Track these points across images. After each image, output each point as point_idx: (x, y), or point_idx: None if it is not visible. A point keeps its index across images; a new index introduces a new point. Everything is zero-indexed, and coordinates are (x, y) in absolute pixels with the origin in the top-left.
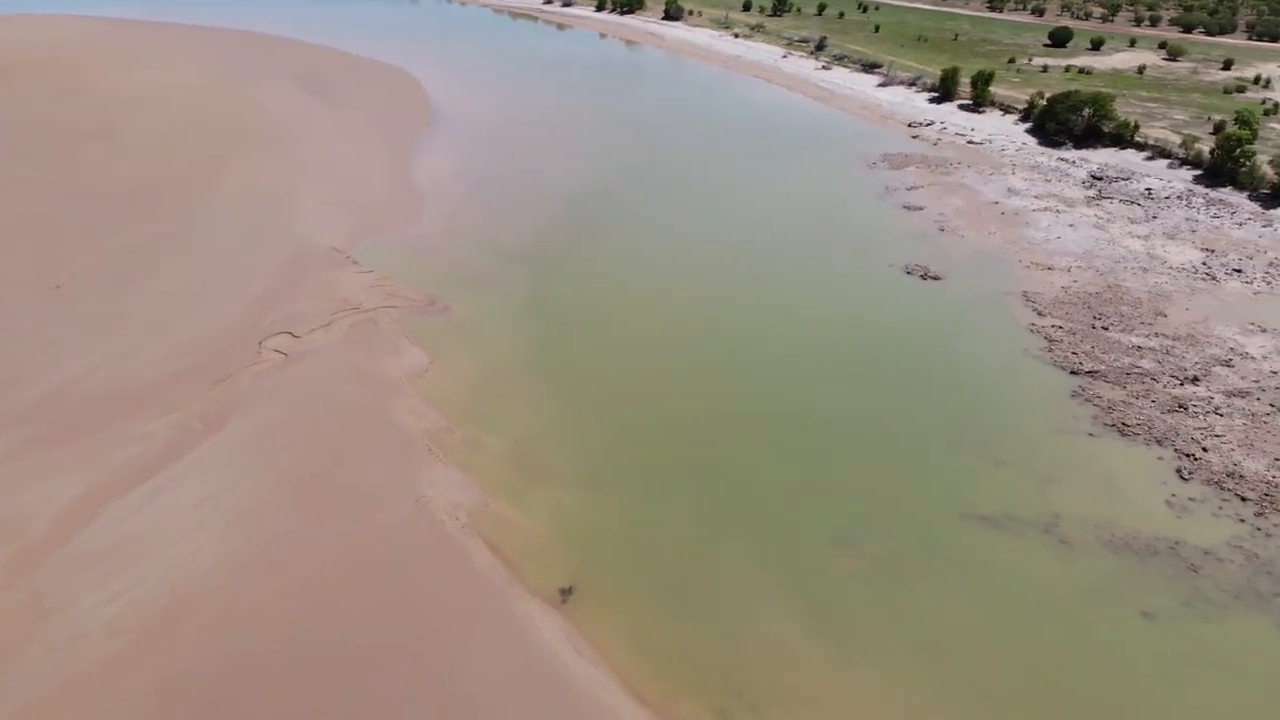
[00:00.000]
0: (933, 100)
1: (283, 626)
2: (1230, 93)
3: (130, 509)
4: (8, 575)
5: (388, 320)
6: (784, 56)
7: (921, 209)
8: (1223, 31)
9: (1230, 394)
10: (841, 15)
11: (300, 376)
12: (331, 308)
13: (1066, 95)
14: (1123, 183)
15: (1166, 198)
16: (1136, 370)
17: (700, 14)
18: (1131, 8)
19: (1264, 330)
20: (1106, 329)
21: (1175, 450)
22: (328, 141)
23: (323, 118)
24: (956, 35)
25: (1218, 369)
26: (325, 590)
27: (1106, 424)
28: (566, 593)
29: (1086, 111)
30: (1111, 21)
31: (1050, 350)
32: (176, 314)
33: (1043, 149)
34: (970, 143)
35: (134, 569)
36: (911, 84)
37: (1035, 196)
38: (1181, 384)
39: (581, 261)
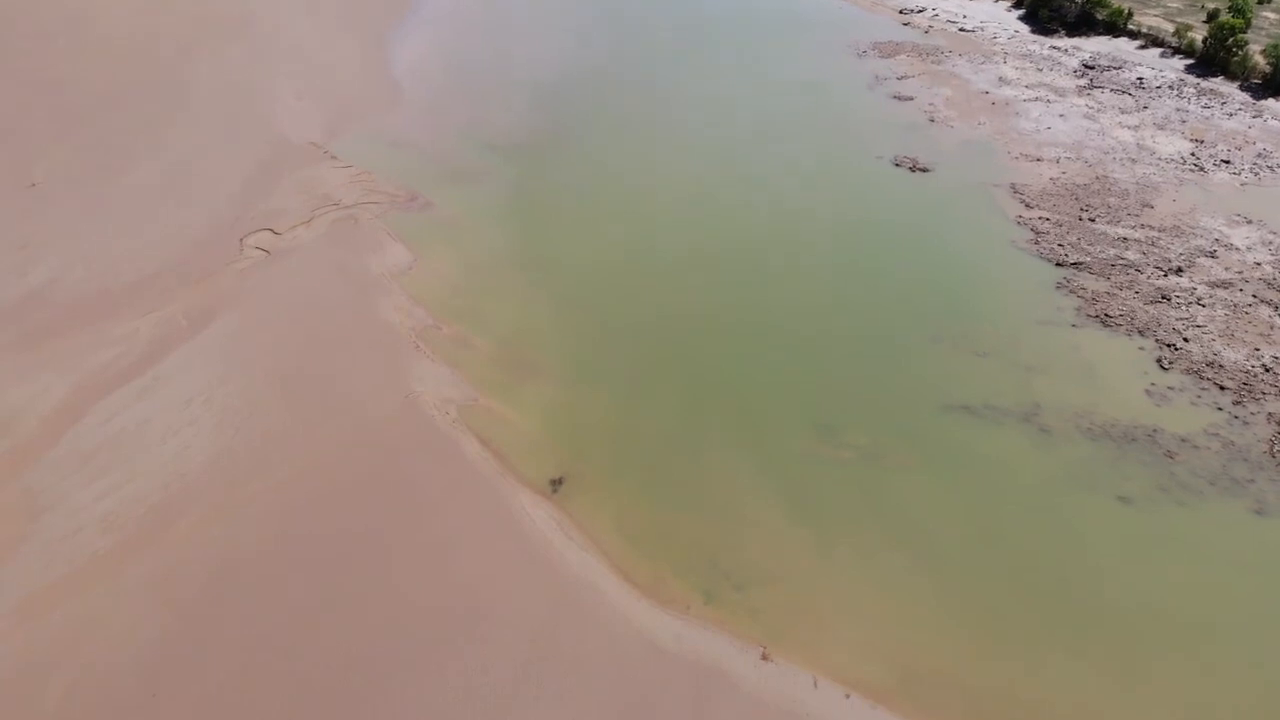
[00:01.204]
0: None
1: (277, 520)
2: None
3: (119, 407)
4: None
5: (369, 216)
6: None
7: (911, 99)
8: None
9: (1213, 285)
10: None
11: (284, 274)
12: (312, 204)
13: None
14: (1114, 72)
15: (1158, 87)
16: (1121, 262)
17: None
18: None
19: (1249, 222)
20: (1093, 221)
21: (1156, 340)
22: (299, 30)
23: (293, 3)
24: None
25: (1202, 260)
26: (318, 484)
27: (1090, 315)
28: (557, 483)
29: None
30: None
31: (1036, 242)
32: (155, 211)
33: (1035, 37)
34: (962, 30)
35: (125, 466)
36: None
37: (1026, 86)
38: (1165, 275)
39: (565, 154)
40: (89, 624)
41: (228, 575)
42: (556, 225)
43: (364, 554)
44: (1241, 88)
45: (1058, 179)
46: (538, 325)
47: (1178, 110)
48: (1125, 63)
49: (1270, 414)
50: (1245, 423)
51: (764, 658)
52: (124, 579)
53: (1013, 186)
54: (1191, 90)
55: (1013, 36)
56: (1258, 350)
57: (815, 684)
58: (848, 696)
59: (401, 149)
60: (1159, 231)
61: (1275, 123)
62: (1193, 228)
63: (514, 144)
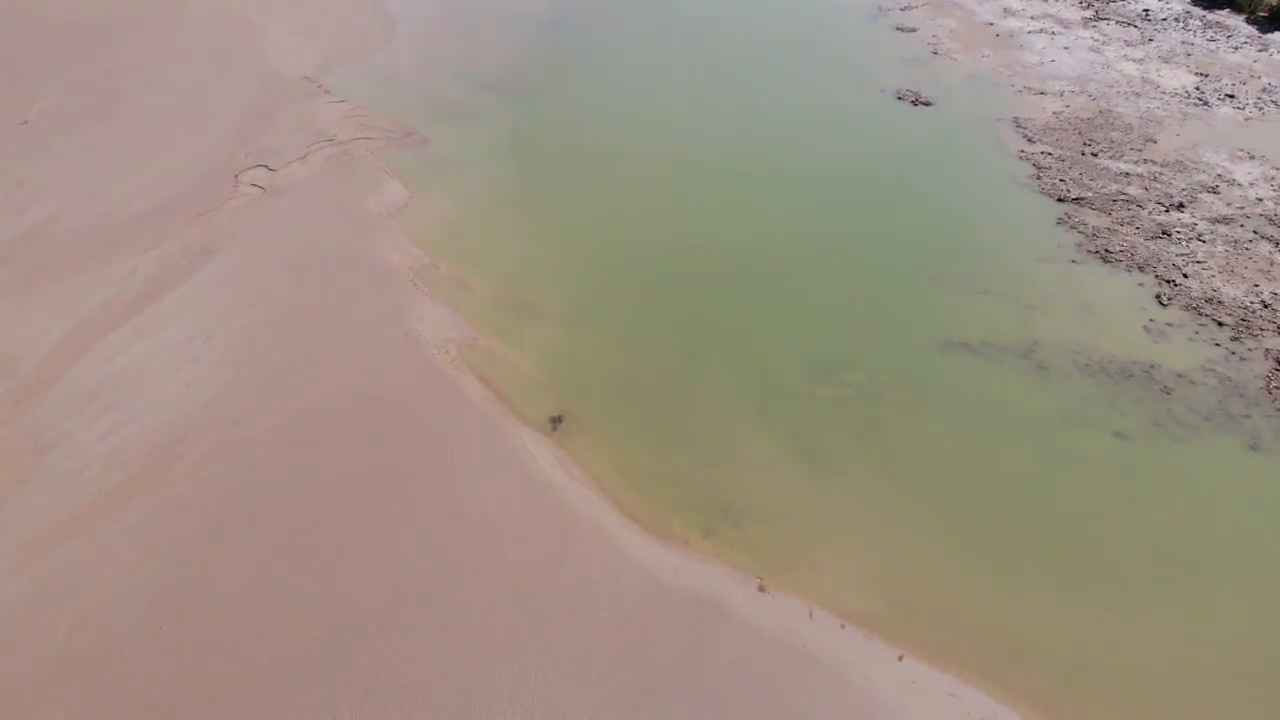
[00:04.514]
0: None
1: (282, 456)
2: None
3: (119, 346)
4: (2, 413)
5: (364, 153)
6: None
7: (914, 31)
8: None
9: (1214, 220)
10: None
11: (280, 211)
12: (306, 140)
13: None
14: (1120, 3)
15: (1163, 20)
16: (1123, 197)
17: None
18: None
19: (1252, 157)
20: (1096, 155)
21: (1156, 276)
22: None
23: None
24: None
25: (1204, 195)
26: (321, 422)
27: (1090, 251)
28: (557, 421)
29: None
30: None
31: (1038, 178)
32: (150, 148)
33: None
34: None
35: (128, 405)
36: None
37: (1031, 17)
38: (1167, 211)
39: (563, 91)
40: (96, 559)
41: (232, 511)
42: (554, 164)
43: (366, 490)
44: (1248, 20)
45: (1061, 113)
46: (536, 265)
47: (1183, 43)
48: None
49: (1268, 350)
50: (1242, 359)
51: (761, 589)
52: (129, 515)
53: (1015, 121)
54: (1198, 23)
55: None
56: (1257, 286)
57: (811, 614)
58: (843, 627)
59: (396, 85)
60: (1161, 167)
61: None
62: (1195, 163)
63: (511, 81)
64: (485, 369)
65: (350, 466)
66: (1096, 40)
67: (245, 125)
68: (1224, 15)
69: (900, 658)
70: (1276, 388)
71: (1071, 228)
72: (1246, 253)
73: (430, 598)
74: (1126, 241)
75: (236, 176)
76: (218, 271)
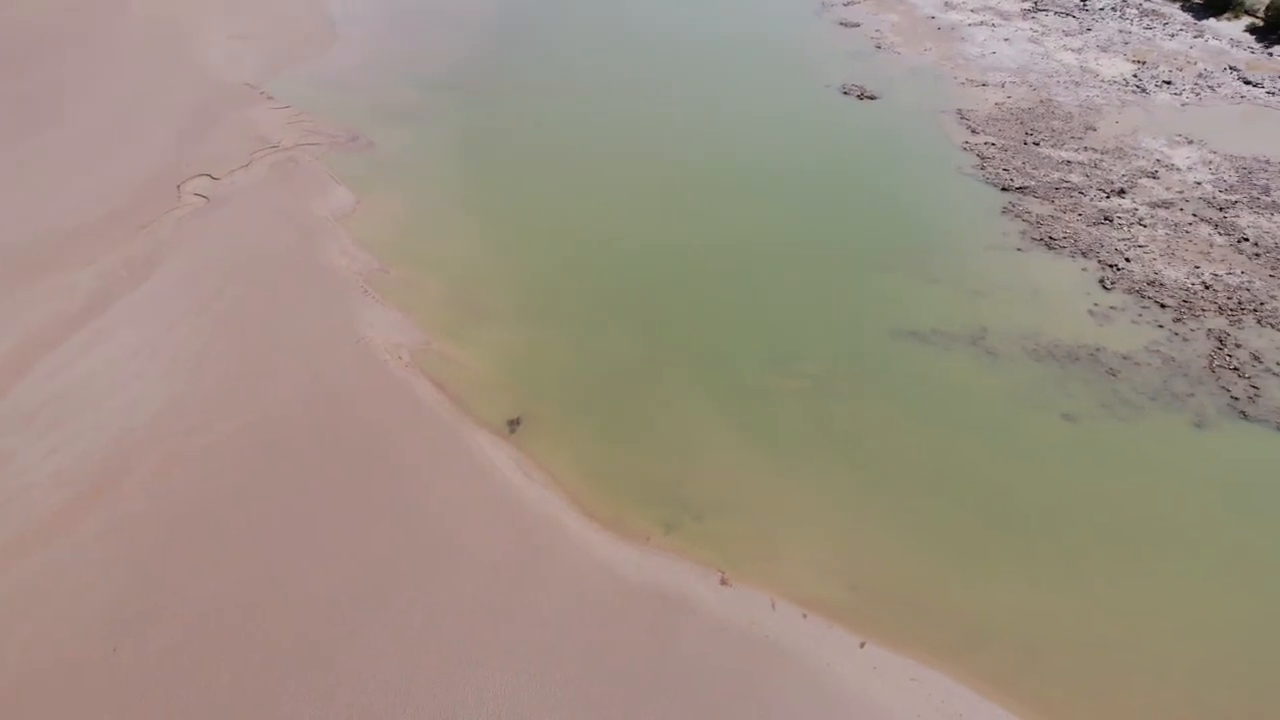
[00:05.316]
0: None
1: (232, 469)
2: None
3: (62, 363)
4: None
5: (309, 158)
6: None
7: (858, 25)
8: None
9: (1154, 205)
10: None
11: (224, 220)
12: (249, 147)
13: None
14: None
15: (1101, 9)
16: (1065, 185)
17: None
18: None
19: (1190, 142)
20: (1038, 144)
21: (1099, 261)
22: None
23: None
24: None
25: (1144, 181)
26: (270, 432)
27: (1034, 238)
28: (514, 423)
29: None
30: None
31: (982, 168)
32: (89, 159)
33: None
34: None
35: (74, 422)
36: None
37: (971, 10)
38: (1108, 197)
39: (511, 90)
40: (46, 581)
41: (186, 525)
42: (503, 164)
43: (320, 499)
44: (1183, 8)
45: (1003, 104)
46: (488, 266)
47: (1120, 32)
48: None
49: (1209, 330)
50: (1185, 339)
51: (723, 582)
52: (79, 534)
53: (959, 112)
54: (1134, 11)
55: None
56: (1198, 268)
57: (774, 605)
58: (805, 616)
59: (340, 89)
60: (1102, 153)
61: (1216, 43)
62: (1135, 149)
63: (458, 80)
64: (440, 373)
65: (305, 477)
66: (1036, 31)
67: (187, 134)
68: (1159, 3)
69: (862, 644)
70: (1219, 366)
71: (1016, 216)
72: (1186, 236)
73: (391, 607)
74: (1070, 228)
75: (179, 186)
76: (161, 283)
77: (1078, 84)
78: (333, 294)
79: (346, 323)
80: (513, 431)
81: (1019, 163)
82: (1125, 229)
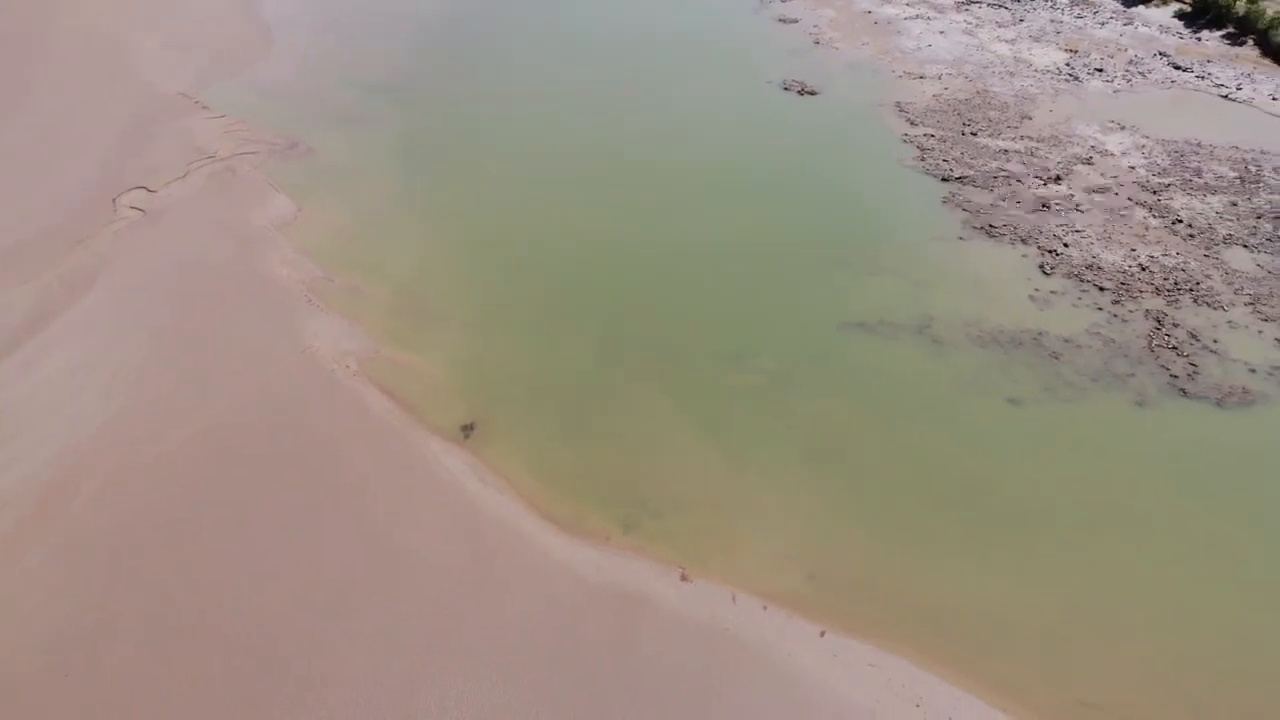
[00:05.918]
0: None
1: (177, 484)
2: None
3: (1, 384)
4: None
5: (247, 168)
6: None
7: (796, 21)
8: None
9: (1090, 190)
10: None
11: (162, 233)
12: (186, 157)
13: None
14: None
15: (1033, 0)
16: (1003, 173)
17: None
18: None
19: (1123, 127)
20: (975, 135)
21: (1039, 247)
22: None
23: None
24: None
25: (1079, 167)
26: (216, 445)
27: (975, 227)
28: (468, 429)
29: None
30: None
31: (923, 159)
32: (21, 175)
33: None
34: None
35: (15, 443)
36: None
37: (907, 4)
38: (1045, 184)
39: (452, 91)
40: None
41: (134, 542)
42: (445, 168)
43: (269, 512)
44: None
45: (940, 95)
46: (435, 271)
47: (1052, 22)
48: None
49: (1147, 310)
50: (1124, 321)
51: (683, 579)
52: (26, 558)
53: (898, 105)
54: (1065, 1)
55: None
56: (1134, 251)
57: (734, 599)
58: (765, 608)
59: (277, 96)
60: (1038, 142)
61: (1145, 29)
62: (1069, 136)
63: (395, 85)
64: (389, 380)
65: (254, 489)
66: (970, 23)
67: (121, 146)
68: None
69: (822, 633)
70: (1158, 346)
71: (957, 206)
72: (1122, 219)
73: (349, 615)
74: (1009, 216)
75: (115, 199)
76: (100, 299)
77: (1012, 74)
78: (275, 304)
79: (291, 333)
80: (467, 437)
81: (958, 153)
82: (1063, 215)
